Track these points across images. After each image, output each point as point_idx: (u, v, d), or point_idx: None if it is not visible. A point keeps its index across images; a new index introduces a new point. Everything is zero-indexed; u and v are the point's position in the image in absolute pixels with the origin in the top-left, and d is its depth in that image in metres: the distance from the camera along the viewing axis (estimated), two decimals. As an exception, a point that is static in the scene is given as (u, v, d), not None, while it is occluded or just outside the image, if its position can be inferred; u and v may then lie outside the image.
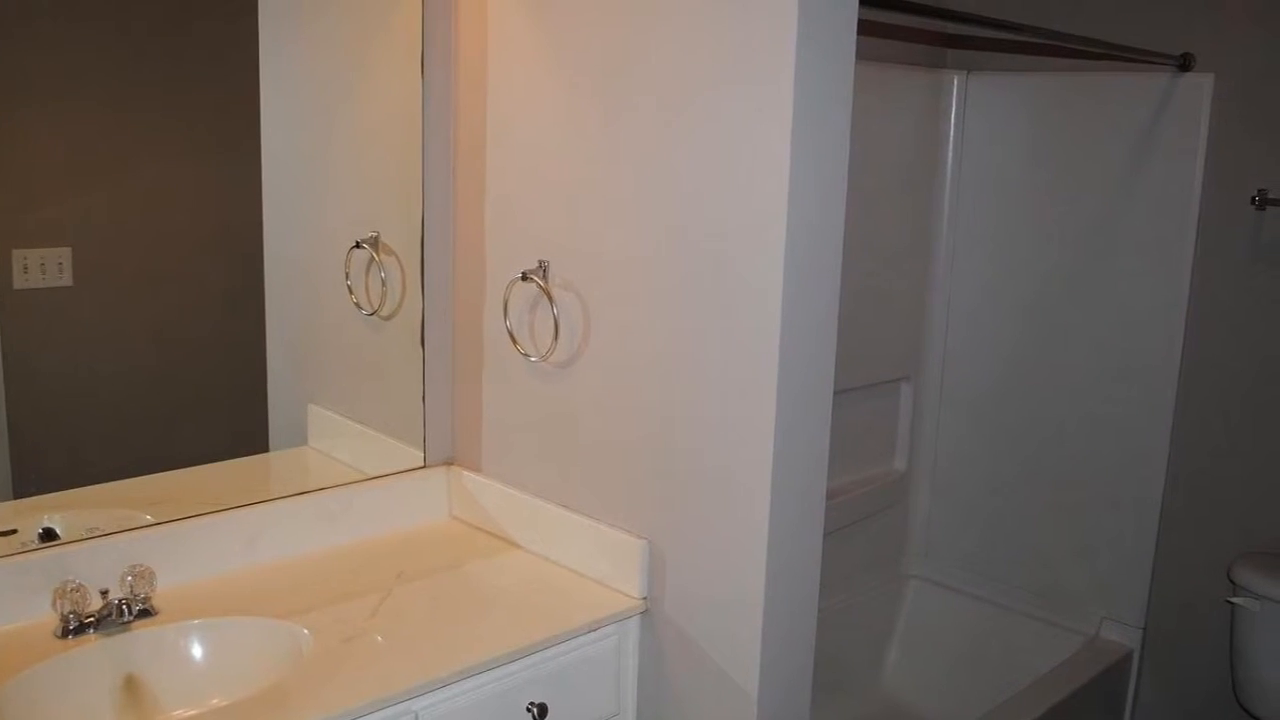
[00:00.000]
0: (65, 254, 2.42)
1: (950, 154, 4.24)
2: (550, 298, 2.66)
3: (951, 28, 4.19)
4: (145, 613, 2.33)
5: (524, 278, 2.70)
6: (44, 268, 2.40)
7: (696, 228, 2.35)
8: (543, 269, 2.69)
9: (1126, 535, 3.98)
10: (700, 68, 2.30)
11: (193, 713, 2.22)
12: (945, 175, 4.26)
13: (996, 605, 4.34)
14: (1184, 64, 3.67)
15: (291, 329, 2.86)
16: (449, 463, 3.04)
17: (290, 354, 2.86)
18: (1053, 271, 4.07)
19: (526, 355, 2.74)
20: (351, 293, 2.92)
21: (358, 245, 2.89)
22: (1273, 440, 3.66)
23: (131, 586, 2.32)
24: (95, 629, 2.26)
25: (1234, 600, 3.61)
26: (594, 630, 2.49)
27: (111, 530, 2.45)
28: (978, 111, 4.20)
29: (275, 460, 2.86)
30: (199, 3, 2.60)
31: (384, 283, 2.91)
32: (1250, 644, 3.57)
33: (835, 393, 2.43)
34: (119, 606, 2.29)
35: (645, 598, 2.57)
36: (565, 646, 2.43)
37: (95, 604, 2.28)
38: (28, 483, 2.43)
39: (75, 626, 2.24)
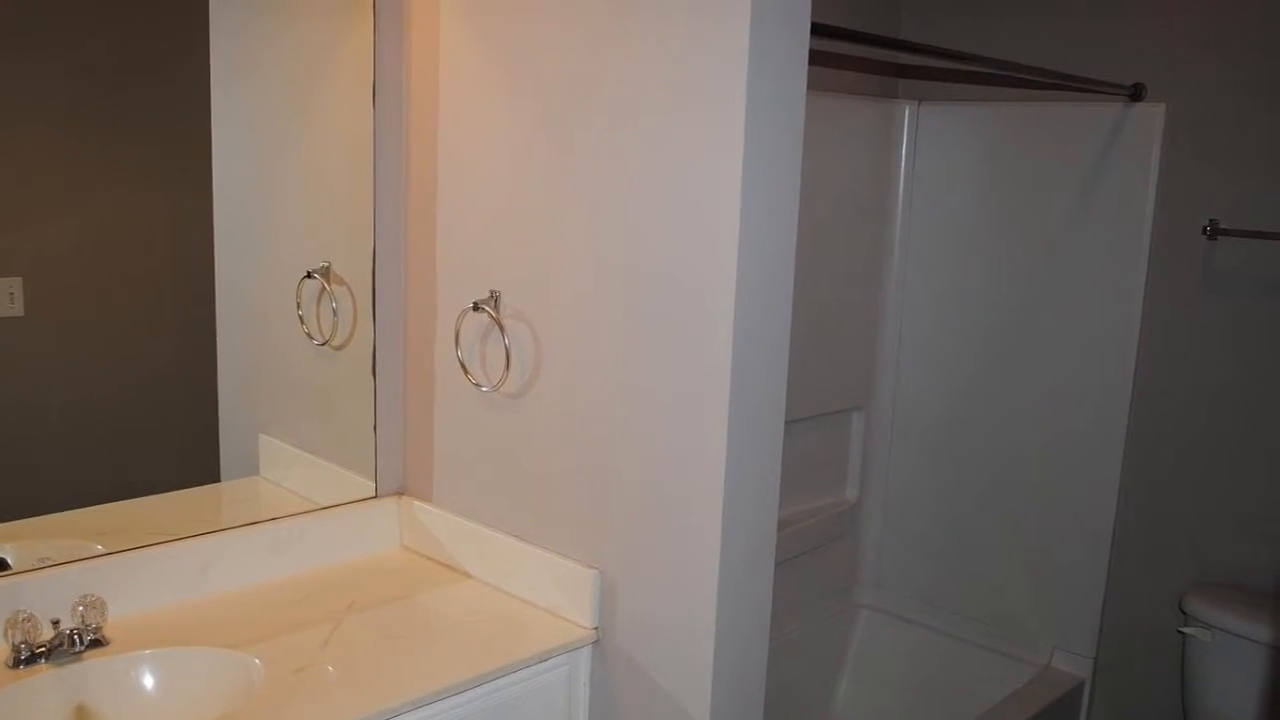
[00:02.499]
0: (16, 284, 2.46)
1: (902, 184, 4.32)
2: (502, 328, 2.71)
3: (903, 58, 4.27)
4: (97, 643, 2.38)
5: (475, 308, 2.75)
6: (-6, 297, 2.44)
7: (648, 257, 2.40)
8: (494, 299, 2.74)
9: (1078, 565, 4.05)
10: (652, 99, 2.36)
11: (145, 743, 2.27)
12: (897, 205, 4.34)
13: (948, 635, 4.41)
14: (1135, 94, 3.75)
15: (243, 359, 2.90)
16: (400, 493, 3.09)
17: (241, 384, 2.91)
18: (1004, 301, 4.15)
19: (478, 385, 2.79)
20: (303, 323, 2.96)
21: (309, 275, 2.93)
22: (1224, 470, 3.74)
23: (83, 616, 2.36)
24: (47, 659, 2.30)
25: (1186, 631, 3.67)
26: (545, 660, 2.55)
27: (63, 560, 2.49)
28: (929, 141, 4.27)
29: (227, 490, 2.91)
30: (151, 32, 2.63)
31: (335, 313, 2.95)
32: (1202, 675, 3.65)
33: (786, 422, 2.49)
34: (70, 636, 2.33)
35: (596, 627, 2.63)
36: (516, 676, 2.49)
37: (46, 634, 2.32)
38: (-22, 513, 2.47)
39: (26, 656, 2.28)
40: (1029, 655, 4.21)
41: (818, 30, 2.43)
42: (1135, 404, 3.91)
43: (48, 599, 2.39)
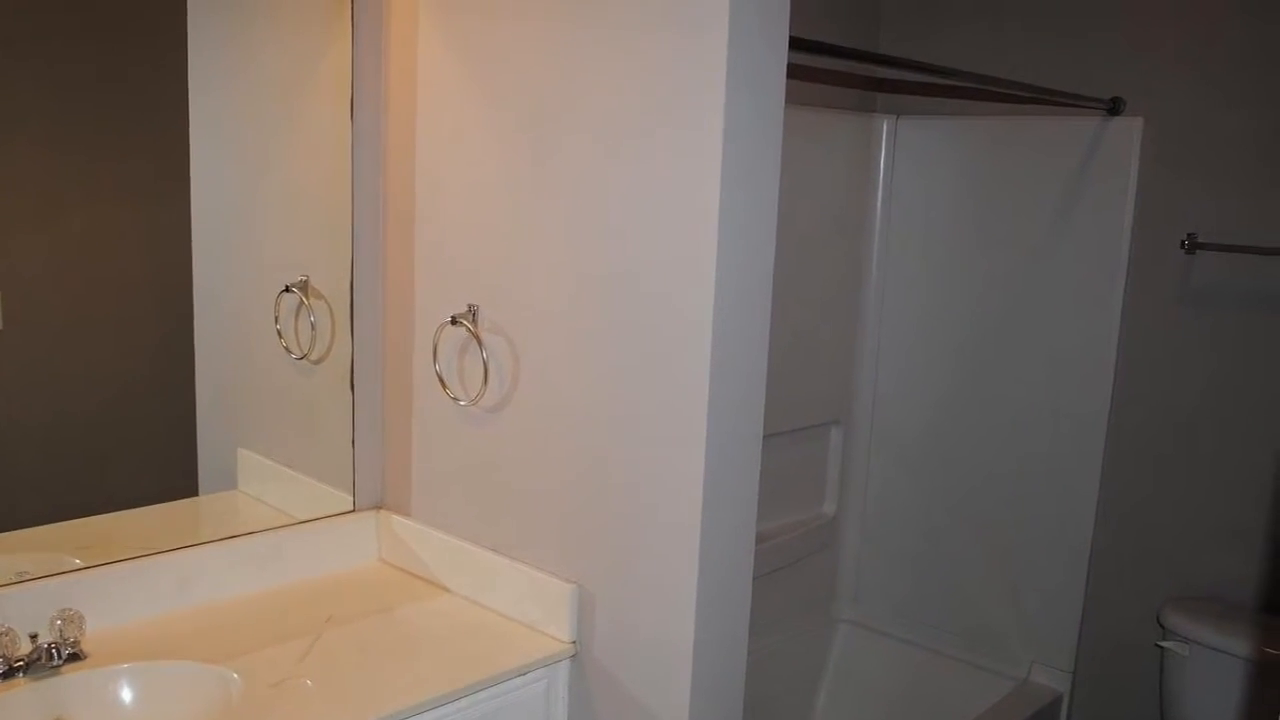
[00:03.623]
0: (-6, 297, 2.47)
1: (880, 197, 4.35)
2: (480, 341, 2.73)
3: (881, 72, 4.29)
4: (75, 656, 2.40)
5: (453, 321, 2.77)
6: (-27, 311, 2.45)
7: (626, 272, 2.42)
8: (472, 313, 2.76)
9: (1056, 578, 4.08)
10: (630, 114, 2.39)
11: (123, 756, 2.29)
12: (875, 218, 4.37)
13: (926, 649, 4.44)
14: (1114, 108, 3.77)
15: (221, 373, 2.92)
16: (378, 507, 3.11)
17: (220, 398, 2.92)
18: (983, 315, 4.17)
19: (456, 399, 2.82)
20: (281, 336, 2.98)
21: (287, 289, 2.94)
22: (1201, 483, 3.77)
23: (61, 630, 2.38)
24: (24, 673, 2.32)
25: (1164, 644, 3.70)
26: (523, 674, 2.57)
27: (41, 574, 2.52)
28: (907, 155, 4.31)
29: (205, 504, 2.92)
30: (129, 45, 2.65)
31: (313, 327, 2.97)
32: (1180, 688, 3.68)
33: (765, 436, 2.51)
34: (48, 650, 2.35)
35: (574, 641, 2.66)
36: (494, 690, 2.51)
37: (24, 648, 2.34)
38: (-45, 527, 2.48)
39: (4, 671, 2.30)
40: (1007, 669, 4.24)
41: (796, 44, 2.46)
42: (1113, 417, 3.94)
43: (25, 613, 2.41)
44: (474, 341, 2.76)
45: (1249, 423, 3.68)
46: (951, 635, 4.41)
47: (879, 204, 4.37)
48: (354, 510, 3.07)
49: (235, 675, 2.39)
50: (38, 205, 2.53)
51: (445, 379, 2.85)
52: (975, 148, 4.16)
